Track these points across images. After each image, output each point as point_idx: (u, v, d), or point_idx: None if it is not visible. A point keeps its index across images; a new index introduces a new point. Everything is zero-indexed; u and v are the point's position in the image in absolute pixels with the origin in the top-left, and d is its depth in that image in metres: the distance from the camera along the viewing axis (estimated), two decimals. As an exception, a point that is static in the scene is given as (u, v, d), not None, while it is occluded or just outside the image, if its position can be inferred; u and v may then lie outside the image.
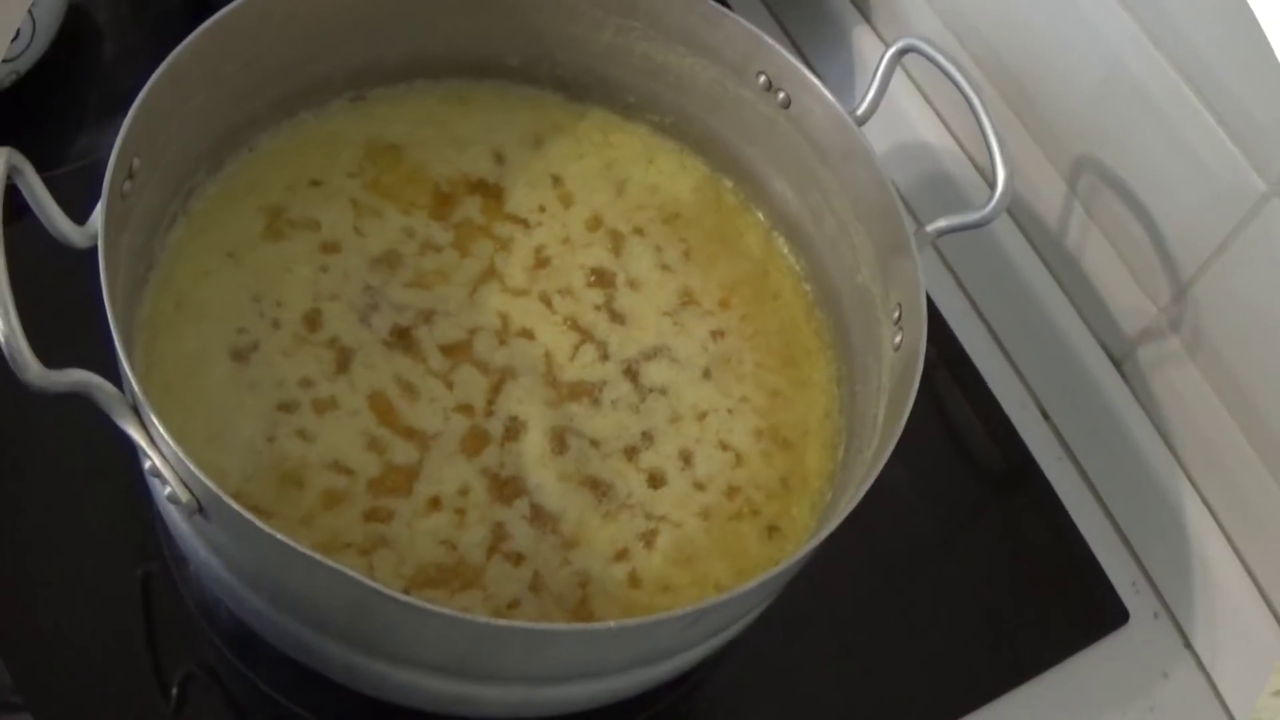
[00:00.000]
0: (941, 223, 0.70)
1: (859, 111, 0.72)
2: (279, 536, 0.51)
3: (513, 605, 0.64)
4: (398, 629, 0.55)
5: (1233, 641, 0.81)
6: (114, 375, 0.56)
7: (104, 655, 0.71)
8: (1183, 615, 0.84)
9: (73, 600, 0.71)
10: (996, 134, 0.68)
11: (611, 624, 0.54)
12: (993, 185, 0.68)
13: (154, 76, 0.61)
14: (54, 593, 0.71)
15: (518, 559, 0.66)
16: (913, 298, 0.66)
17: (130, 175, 0.61)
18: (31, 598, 0.71)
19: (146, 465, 0.55)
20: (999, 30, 0.87)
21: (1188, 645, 0.83)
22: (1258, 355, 0.76)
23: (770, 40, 0.73)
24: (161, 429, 0.53)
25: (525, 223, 0.76)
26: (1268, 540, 0.80)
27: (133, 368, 0.55)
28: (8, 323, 0.50)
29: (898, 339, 0.68)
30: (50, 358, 0.53)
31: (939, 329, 0.91)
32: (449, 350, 0.71)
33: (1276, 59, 0.68)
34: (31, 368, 0.51)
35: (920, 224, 0.70)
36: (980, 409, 0.89)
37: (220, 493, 0.52)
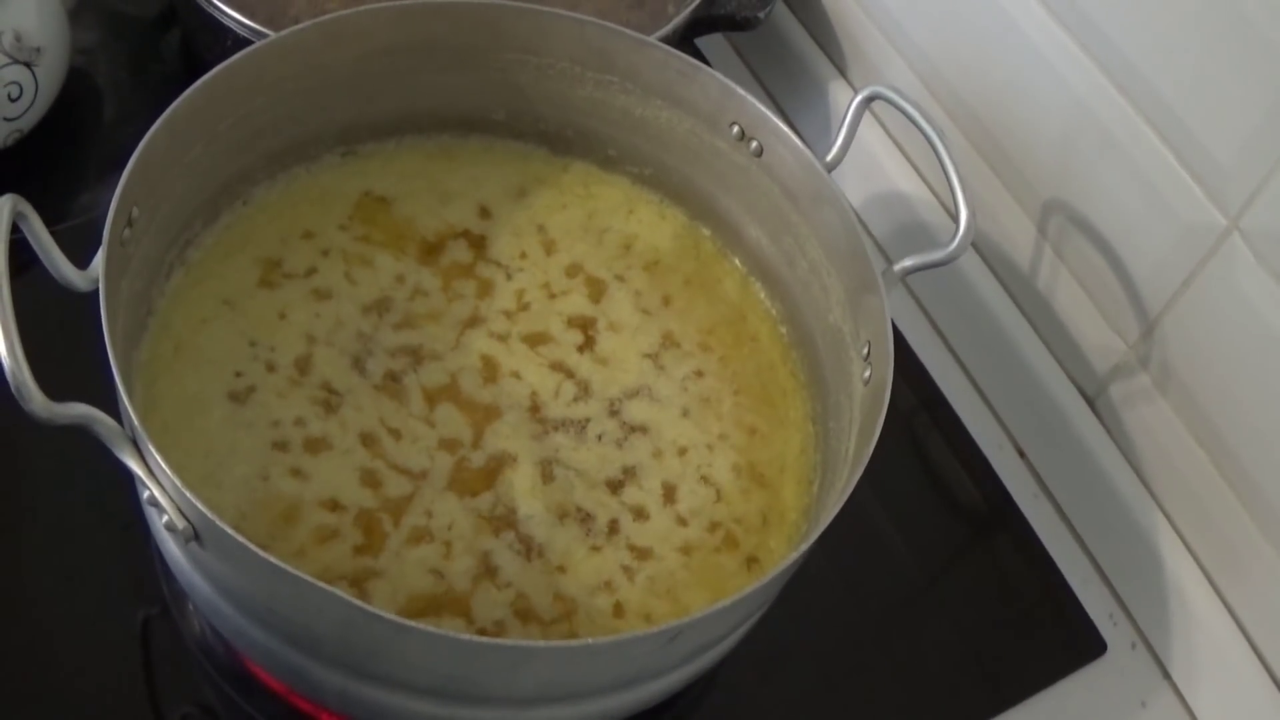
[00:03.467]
0: (908, 261, 0.71)
1: (829, 158, 0.73)
2: (271, 559, 0.53)
3: (499, 631, 0.66)
4: (386, 650, 0.57)
5: (1210, 670, 0.82)
6: (114, 412, 0.58)
7: (102, 696, 0.72)
8: (1160, 646, 0.85)
9: (71, 642, 0.73)
10: (959, 174, 0.70)
11: (590, 641, 0.55)
12: (956, 224, 0.70)
13: (152, 129, 0.64)
14: (52, 635, 0.73)
15: (504, 586, 0.67)
16: (881, 333, 0.68)
17: (130, 223, 0.63)
18: (30, 641, 0.73)
19: (145, 495, 0.57)
20: (968, 80, 0.90)
21: (1165, 675, 0.84)
22: (1224, 388, 0.78)
23: (742, 91, 0.75)
24: (159, 457, 0.55)
25: (508, 269, 0.78)
26: (1242, 570, 0.81)
27: (132, 403, 0.57)
28: (14, 357, 0.53)
29: (867, 374, 0.69)
30: (53, 394, 0.54)
31: (917, 374, 0.93)
32: (434, 391, 0.73)
33: (1232, 99, 0.71)
34: (36, 399, 0.53)
35: (890, 264, 0.73)
36: (958, 450, 0.91)
37: (215, 518, 0.54)
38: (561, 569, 0.69)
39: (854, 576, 0.85)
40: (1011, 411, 0.93)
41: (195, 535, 0.57)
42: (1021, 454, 0.92)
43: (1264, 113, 0.70)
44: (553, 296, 0.78)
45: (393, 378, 0.73)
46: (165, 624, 0.75)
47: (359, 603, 0.53)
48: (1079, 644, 0.84)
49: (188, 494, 0.55)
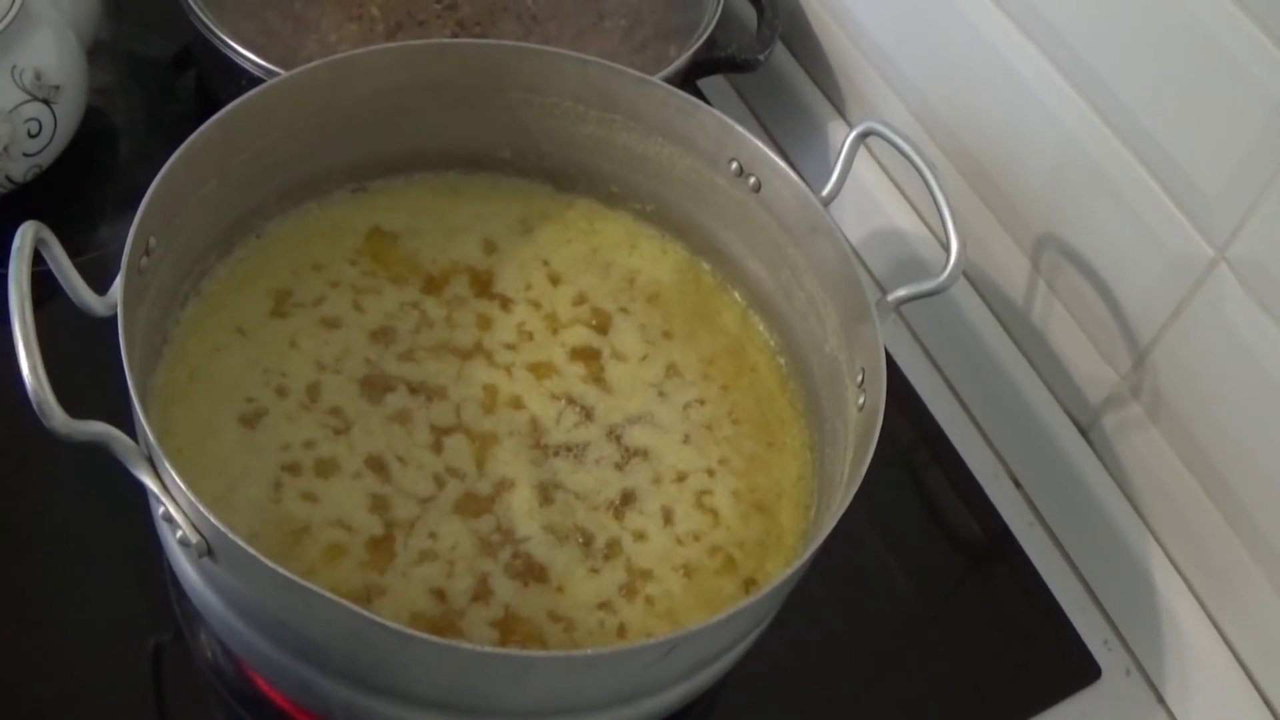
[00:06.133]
0: (901, 291, 0.73)
1: (825, 192, 0.75)
2: (281, 571, 0.55)
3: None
4: (390, 660, 0.59)
5: (1203, 694, 0.83)
6: (131, 433, 0.60)
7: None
8: (1154, 671, 0.86)
9: (83, 666, 0.75)
10: (950, 206, 0.72)
11: (589, 651, 0.57)
12: (948, 254, 0.72)
13: (170, 161, 0.66)
14: (65, 660, 0.75)
15: (503, 608, 0.69)
16: (874, 361, 0.69)
17: (147, 252, 0.65)
18: (42, 666, 0.74)
19: (159, 511, 0.59)
20: (962, 118, 0.92)
21: (1160, 700, 0.85)
22: (1214, 416, 0.79)
23: (739, 128, 0.77)
24: (174, 473, 0.57)
25: (512, 301, 0.80)
26: (1233, 595, 0.82)
27: (148, 421, 0.59)
28: (35, 375, 0.54)
29: (862, 400, 0.71)
30: (72, 415, 0.56)
31: (914, 407, 0.95)
32: (442, 424, 0.74)
33: (1217, 132, 0.73)
34: (57, 416, 0.55)
35: (884, 294, 0.74)
36: (956, 481, 0.92)
37: (227, 530, 0.56)
38: (560, 589, 0.70)
39: (853, 605, 0.86)
40: (1006, 442, 0.94)
41: (209, 550, 0.59)
42: (1017, 483, 0.93)
43: (1247, 145, 0.72)
44: (557, 328, 0.80)
45: (400, 410, 0.75)
46: (178, 649, 0.77)
47: (364, 612, 0.55)
48: (1074, 670, 0.86)
49: (201, 508, 0.56)
